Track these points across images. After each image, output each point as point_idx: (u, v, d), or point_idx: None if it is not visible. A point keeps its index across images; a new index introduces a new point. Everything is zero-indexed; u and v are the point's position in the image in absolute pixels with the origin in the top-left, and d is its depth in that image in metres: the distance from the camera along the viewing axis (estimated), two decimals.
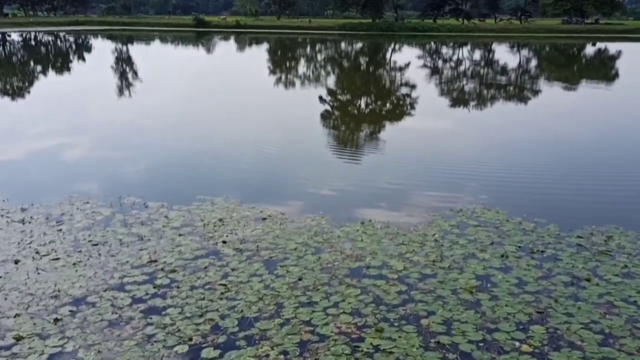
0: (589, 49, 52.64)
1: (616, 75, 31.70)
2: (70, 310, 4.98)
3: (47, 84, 25.04)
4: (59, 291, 5.31)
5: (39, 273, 5.67)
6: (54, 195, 8.07)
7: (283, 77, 29.08)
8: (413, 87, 24.18)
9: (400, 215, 7.60)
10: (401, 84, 25.88)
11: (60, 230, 6.77)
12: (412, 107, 19.10)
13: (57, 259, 5.99)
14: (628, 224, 7.13)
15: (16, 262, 5.89)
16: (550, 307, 5.08)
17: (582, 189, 9.02)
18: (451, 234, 6.87)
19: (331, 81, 27.80)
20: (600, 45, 56.22)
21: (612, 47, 54.04)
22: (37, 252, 6.12)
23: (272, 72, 32.07)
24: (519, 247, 6.45)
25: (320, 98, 20.62)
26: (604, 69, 35.38)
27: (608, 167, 10.59)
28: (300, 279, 5.65)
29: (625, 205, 8.32)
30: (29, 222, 6.99)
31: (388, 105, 19.94)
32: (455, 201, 8.21)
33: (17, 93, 21.59)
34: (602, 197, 8.64)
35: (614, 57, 44.43)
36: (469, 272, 5.80)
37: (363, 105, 19.70)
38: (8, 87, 23.46)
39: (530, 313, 4.99)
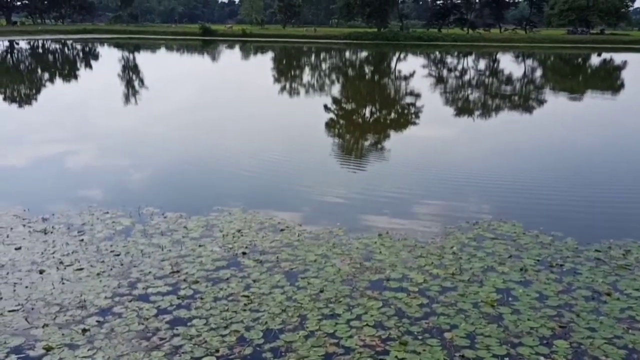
0: (595, 60, 52.74)
1: (623, 85, 31.74)
2: (97, 321, 5.04)
3: (59, 91, 25.22)
4: (85, 301, 5.37)
5: (63, 283, 5.74)
6: (74, 205, 8.15)
7: (289, 86, 29.23)
8: (419, 96, 24.27)
9: (416, 227, 7.65)
10: (408, 93, 25.98)
11: (82, 240, 6.84)
12: (418, 117, 19.18)
13: (81, 269, 6.06)
14: None
15: (41, 272, 5.96)
16: (573, 322, 5.12)
17: (597, 201, 9.05)
18: (469, 246, 6.91)
19: (337, 90, 27.92)
20: (606, 55, 56.34)
21: (618, 57, 54.14)
22: (61, 262, 6.19)
23: (278, 80, 32.23)
24: (538, 260, 6.49)
25: (329, 107, 20.72)
26: (610, 79, 35.44)
27: (622, 179, 10.62)
28: (321, 291, 5.69)
29: None
30: (51, 232, 7.06)
31: (395, 114, 20.03)
32: (469, 212, 8.28)
33: (30, 101, 21.75)
34: (618, 209, 8.67)
35: (620, 68, 44.50)
36: (489, 286, 5.85)
37: (370, 114, 19.79)
38: (19, 94, 23.64)
39: (552, 327, 5.02)
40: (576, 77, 36.73)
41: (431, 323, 5.13)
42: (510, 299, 5.58)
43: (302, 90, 27.07)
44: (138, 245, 6.77)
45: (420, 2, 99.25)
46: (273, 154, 12.26)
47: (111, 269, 6.08)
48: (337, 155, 12.91)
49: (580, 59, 53.12)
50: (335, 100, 23.39)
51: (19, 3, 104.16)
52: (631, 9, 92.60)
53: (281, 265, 6.30)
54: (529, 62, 50.67)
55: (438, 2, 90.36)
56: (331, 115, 19.51)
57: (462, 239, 7.13)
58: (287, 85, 29.38)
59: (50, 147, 12.73)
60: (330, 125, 17.09)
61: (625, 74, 39.13)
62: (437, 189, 9.82)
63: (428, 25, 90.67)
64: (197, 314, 5.22)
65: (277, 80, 32.49)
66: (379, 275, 6.10)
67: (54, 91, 25.37)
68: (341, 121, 18.45)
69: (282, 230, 7.39)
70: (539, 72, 41.02)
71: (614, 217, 8.32)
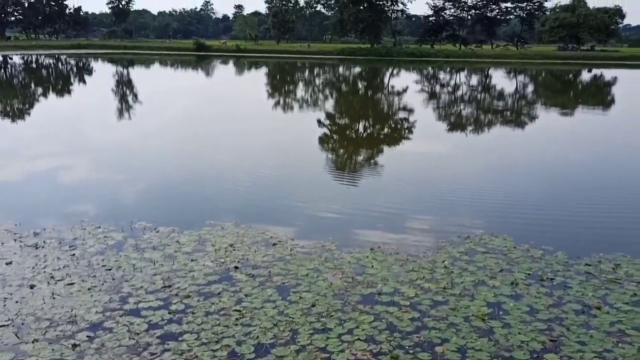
0: (585, 76, 53.32)
1: (613, 101, 32.07)
2: (87, 336, 5.01)
3: (50, 106, 25.22)
4: (75, 316, 5.35)
5: (54, 298, 5.71)
6: (65, 220, 8.14)
7: (283, 101, 29.36)
8: (412, 111, 24.44)
9: (408, 241, 7.68)
10: (401, 109, 26.15)
11: (74, 255, 6.82)
12: (411, 132, 19.31)
13: (72, 283, 6.04)
14: (635, 251, 7.22)
15: (32, 287, 5.93)
16: (563, 336, 5.14)
17: (587, 216, 9.11)
18: (460, 260, 6.94)
19: (331, 105, 28.07)
20: (596, 71, 56.99)
21: (608, 73, 54.77)
22: (52, 277, 6.17)
23: (272, 95, 32.37)
24: (529, 274, 6.53)
25: (323, 122, 20.85)
26: (600, 95, 35.82)
27: (612, 194, 10.70)
28: (313, 305, 5.70)
29: (632, 231, 8.44)
30: (42, 247, 7.04)
31: (388, 129, 20.15)
32: (461, 226, 8.32)
33: (20, 115, 21.73)
34: (607, 224, 8.74)
35: (611, 84, 45.00)
36: (480, 300, 5.87)
37: (362, 130, 19.90)
38: (12, 109, 23.61)
39: (543, 341, 5.04)
40: (567, 92, 37.09)
41: (422, 337, 5.14)
42: (501, 312, 5.60)
43: (296, 106, 27.20)
44: (130, 259, 6.76)
45: (413, 19, 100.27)
46: (266, 168, 12.30)
47: (102, 284, 6.07)
48: (330, 170, 12.96)
49: (571, 75, 53.68)
50: (328, 116, 23.52)
51: (12, 18, 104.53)
52: (620, 25, 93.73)
53: (273, 280, 6.30)
54: (521, 77, 51.19)
55: (431, 18, 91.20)
56: (324, 130, 19.61)
57: (454, 253, 7.16)
58: (281, 100, 29.51)
59: (42, 162, 12.72)
60: (323, 140, 17.17)
61: (615, 90, 39.57)
62: (429, 203, 9.87)
63: (421, 41, 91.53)
64: (189, 328, 5.21)
65: (271, 95, 32.63)
66: (371, 289, 6.11)
67: (46, 105, 25.37)
68: (334, 136, 18.54)
69: (274, 244, 7.40)
70: (530, 88, 41.42)
71: (604, 232, 8.38)
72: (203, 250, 7.15)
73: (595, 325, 5.34)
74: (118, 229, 7.79)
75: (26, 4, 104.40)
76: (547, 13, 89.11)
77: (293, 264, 6.77)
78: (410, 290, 6.08)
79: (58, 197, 9.85)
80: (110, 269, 6.44)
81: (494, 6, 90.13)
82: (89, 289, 5.94)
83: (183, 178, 11.36)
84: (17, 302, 5.61)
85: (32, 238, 7.36)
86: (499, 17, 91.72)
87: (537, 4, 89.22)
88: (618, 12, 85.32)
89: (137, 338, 5.01)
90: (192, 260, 6.78)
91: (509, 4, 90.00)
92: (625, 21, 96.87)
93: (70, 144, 15.32)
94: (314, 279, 6.32)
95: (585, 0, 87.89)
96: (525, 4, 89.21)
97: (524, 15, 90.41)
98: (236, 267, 6.62)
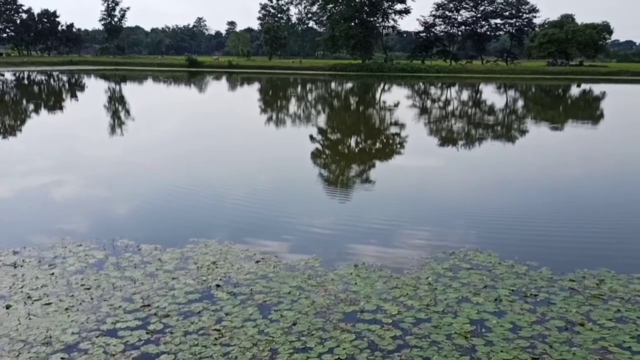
0: (574, 90, 53.78)
1: (602, 116, 32.32)
2: (61, 358, 4.91)
3: (38, 123, 25.08)
4: (50, 337, 5.24)
5: (30, 319, 5.61)
6: (46, 238, 8.04)
7: (274, 116, 29.37)
8: (402, 126, 24.51)
9: (393, 257, 7.63)
10: (391, 124, 26.21)
11: (53, 274, 6.71)
12: (402, 147, 19.33)
13: (49, 303, 5.93)
14: (619, 267, 7.20)
15: (7, 307, 5.82)
16: (546, 353, 5.09)
17: (572, 232, 9.10)
18: (444, 277, 6.89)
19: (322, 120, 28.11)
20: (585, 86, 57.54)
21: (597, 88, 55.31)
22: (29, 297, 6.06)
23: (264, 111, 32.39)
24: (512, 290, 6.48)
25: (312, 137, 20.86)
26: (589, 110, 36.10)
27: (597, 210, 10.71)
28: (294, 324, 5.62)
29: (616, 246, 8.43)
30: (21, 266, 6.93)
31: (378, 144, 20.17)
32: (446, 242, 8.29)
33: (8, 132, 21.60)
34: (592, 239, 8.72)
35: (599, 98, 45.40)
36: (463, 317, 5.81)
37: (353, 145, 19.90)
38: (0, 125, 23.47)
39: (525, 359, 4.98)
40: (557, 107, 37.34)
41: (404, 356, 5.07)
42: (483, 330, 5.54)
43: (288, 121, 27.20)
44: (110, 278, 6.66)
45: (404, 35, 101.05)
46: (252, 185, 12.26)
47: (80, 304, 5.96)
48: (317, 186, 12.91)
49: (560, 90, 54.11)
50: (320, 131, 23.52)
51: (4, 35, 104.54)
52: (608, 41, 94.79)
53: (255, 298, 6.22)
54: (511, 92, 51.56)
55: (421, 34, 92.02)
56: (315, 145, 19.58)
57: (438, 269, 7.11)
58: (273, 116, 29.51)
59: (26, 178, 12.60)
60: (312, 156, 17.12)
61: (603, 104, 39.90)
62: (414, 219, 9.84)
63: (412, 57, 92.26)
64: (166, 349, 5.11)
65: (262, 110, 32.64)
66: (353, 306, 6.04)
67: (34, 122, 25.22)
68: (324, 152, 18.51)
69: (257, 261, 7.33)
70: (520, 103, 41.68)
71: (589, 247, 8.36)
72: (185, 268, 7.06)
73: (578, 342, 5.28)
74: (100, 247, 7.69)
75: (18, 21, 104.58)
76: (536, 29, 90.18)
77: (276, 281, 6.69)
78: (393, 307, 6.01)
79: (40, 214, 9.73)
80: (89, 288, 6.34)
81: (483, 22, 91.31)
82: (66, 309, 5.83)
83: (167, 195, 11.27)
84: None
85: (11, 256, 7.25)
86: (488, 33, 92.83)
87: (526, 20, 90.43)
88: (606, 28, 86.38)
89: (112, 359, 4.91)
90: (173, 279, 6.69)
91: (498, 20, 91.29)
92: (613, 37, 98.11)
93: (55, 161, 15.21)
94: (296, 297, 6.25)
95: (574, 16, 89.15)
96: (515, 20, 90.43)
97: (514, 31, 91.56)
98: (218, 285, 6.54)
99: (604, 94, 49.10)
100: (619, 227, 9.48)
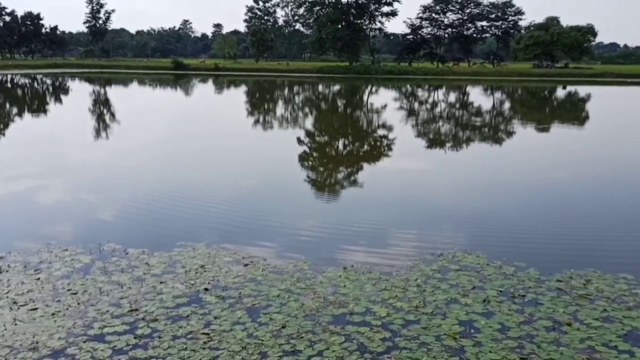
0: (560, 92, 54.30)
1: (588, 117, 32.65)
2: None
3: (22, 126, 24.82)
4: (37, 343, 5.18)
5: (16, 324, 5.54)
6: (32, 242, 7.95)
7: (261, 119, 29.33)
8: (390, 128, 24.59)
9: (382, 259, 7.63)
10: (378, 126, 26.28)
11: (39, 279, 6.64)
12: (389, 149, 19.39)
13: (35, 309, 5.86)
14: (605, 267, 7.26)
15: None
16: (534, 353, 5.12)
17: (559, 233, 9.17)
18: (433, 278, 6.91)
19: (310, 123, 28.12)
20: (571, 88, 58.13)
21: (582, 90, 55.89)
22: (15, 302, 5.99)
23: (251, 113, 32.33)
24: (500, 291, 6.52)
25: (299, 140, 20.86)
26: (575, 111, 36.46)
27: (584, 211, 10.82)
28: (283, 327, 5.60)
29: (603, 246, 8.51)
30: (7, 271, 6.85)
31: (365, 147, 20.21)
32: (435, 243, 8.32)
33: None
34: (579, 240, 8.79)
35: (585, 100, 45.87)
36: (452, 318, 5.83)
37: (341, 147, 19.93)
38: None
39: (514, 359, 5.01)
40: (543, 109, 37.67)
41: (393, 357, 5.07)
42: (472, 330, 5.57)
43: (275, 123, 27.16)
44: (97, 283, 6.60)
45: (391, 37, 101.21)
46: (240, 188, 12.23)
47: (67, 309, 5.90)
48: (305, 188, 12.91)
49: (546, 92, 54.61)
50: (307, 133, 23.53)
51: None
52: (593, 43, 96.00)
53: (243, 301, 6.20)
54: (498, 94, 51.92)
55: (408, 37, 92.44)
56: (302, 148, 19.56)
57: (427, 271, 7.13)
58: (260, 118, 29.46)
59: (11, 183, 12.46)
60: (300, 158, 17.11)
61: (589, 106, 40.33)
62: (403, 221, 9.87)
63: (399, 59, 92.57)
64: (154, 353, 5.08)
65: (249, 113, 32.59)
66: (343, 309, 6.03)
67: (18, 126, 24.96)
68: (313, 154, 18.50)
69: (246, 265, 7.30)
70: (507, 105, 41.99)
71: (576, 247, 8.43)
72: (173, 272, 7.01)
73: (565, 342, 5.32)
74: (86, 252, 7.62)
75: (1, 24, 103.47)
76: (522, 31, 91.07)
77: (264, 284, 6.67)
78: (382, 309, 6.02)
79: (25, 219, 9.61)
80: (75, 293, 6.28)
81: (470, 25, 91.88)
82: (52, 314, 5.77)
83: (155, 198, 11.19)
84: None
85: None
86: (475, 35, 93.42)
87: (512, 22, 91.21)
88: (590, 31, 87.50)
89: None
90: (161, 283, 6.64)
91: (484, 23, 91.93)
92: (598, 39, 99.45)
93: (40, 165, 15.06)
94: (285, 300, 6.23)
95: (559, 18, 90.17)
96: (501, 22, 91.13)
97: (500, 33, 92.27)
98: (206, 289, 6.50)
99: (589, 96, 49.61)
100: (605, 228, 9.57)
